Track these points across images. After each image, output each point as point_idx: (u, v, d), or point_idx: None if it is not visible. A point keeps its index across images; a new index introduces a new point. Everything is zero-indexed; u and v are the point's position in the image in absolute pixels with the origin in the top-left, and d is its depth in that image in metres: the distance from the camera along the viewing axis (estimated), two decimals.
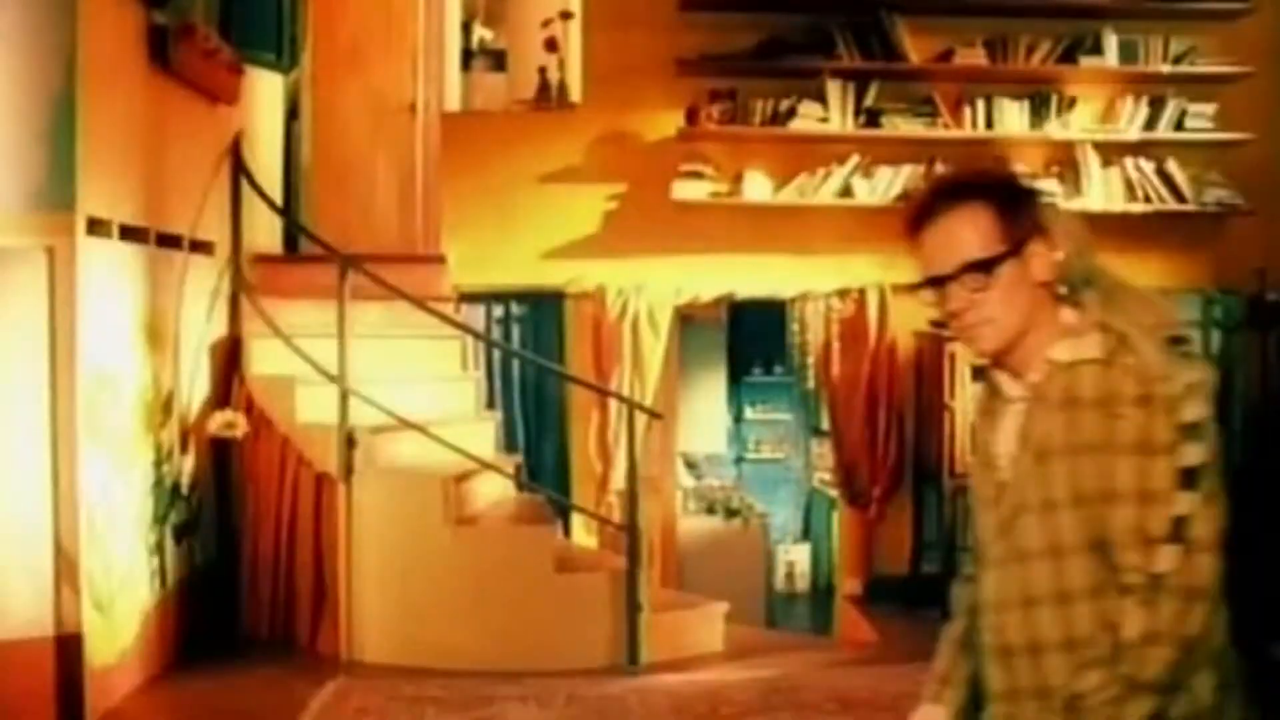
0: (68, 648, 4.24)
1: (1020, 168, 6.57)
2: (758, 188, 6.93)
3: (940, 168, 6.91)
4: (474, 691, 4.84)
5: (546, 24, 7.16)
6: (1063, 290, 1.88)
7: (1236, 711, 1.86)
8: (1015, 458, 1.87)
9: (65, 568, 4.24)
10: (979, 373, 2.12)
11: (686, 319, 7.51)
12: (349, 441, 5.26)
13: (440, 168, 6.89)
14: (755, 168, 6.96)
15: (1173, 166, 6.98)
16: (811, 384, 7.31)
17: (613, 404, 6.76)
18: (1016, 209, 1.85)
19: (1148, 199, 6.98)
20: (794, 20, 6.93)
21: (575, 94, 7.13)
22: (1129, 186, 6.99)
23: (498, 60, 7.86)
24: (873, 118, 6.91)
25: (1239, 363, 7.20)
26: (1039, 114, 6.98)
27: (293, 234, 6.49)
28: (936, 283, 1.86)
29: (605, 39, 6.96)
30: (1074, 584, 1.81)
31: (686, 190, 6.90)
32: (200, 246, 5.46)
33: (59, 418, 4.23)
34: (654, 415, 6.26)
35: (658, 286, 6.97)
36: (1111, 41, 6.92)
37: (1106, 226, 6.97)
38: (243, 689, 4.89)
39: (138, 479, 4.82)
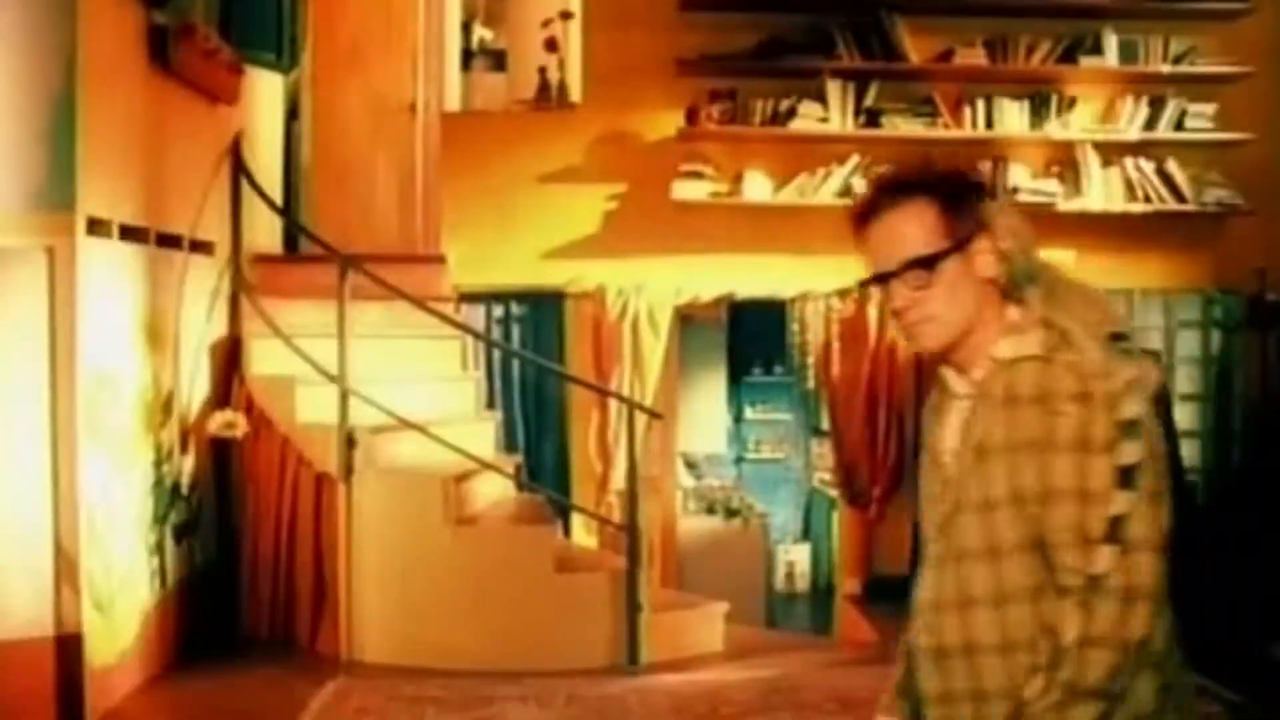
0: (68, 648, 4.24)
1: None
2: (758, 188, 6.93)
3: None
4: (474, 691, 4.84)
5: (546, 24, 7.16)
6: (1005, 286, 1.85)
7: (1176, 716, 1.81)
8: (958, 455, 1.85)
9: (65, 568, 4.24)
10: None
11: (686, 319, 7.51)
12: (349, 441, 5.26)
13: (440, 168, 6.90)
14: (755, 168, 6.96)
15: (1173, 166, 6.99)
16: (811, 384, 7.30)
17: (613, 404, 6.76)
18: (960, 205, 1.83)
19: (1148, 199, 6.98)
20: (794, 20, 6.93)
21: (575, 94, 7.13)
22: (1129, 186, 7.00)
23: (498, 60, 7.87)
24: (873, 118, 6.91)
25: (1239, 363, 7.20)
26: (1039, 114, 6.98)
27: (293, 234, 6.49)
28: (880, 280, 1.84)
29: (605, 39, 6.96)
30: (1012, 585, 1.78)
31: (686, 190, 6.90)
32: (200, 246, 5.46)
33: (59, 418, 4.23)
34: (654, 415, 6.26)
35: (658, 286, 6.97)
36: (1111, 41, 6.93)
37: (1106, 226, 7.00)
38: (243, 689, 4.89)
39: (138, 479, 4.82)
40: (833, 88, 6.87)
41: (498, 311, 7.04)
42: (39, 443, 4.23)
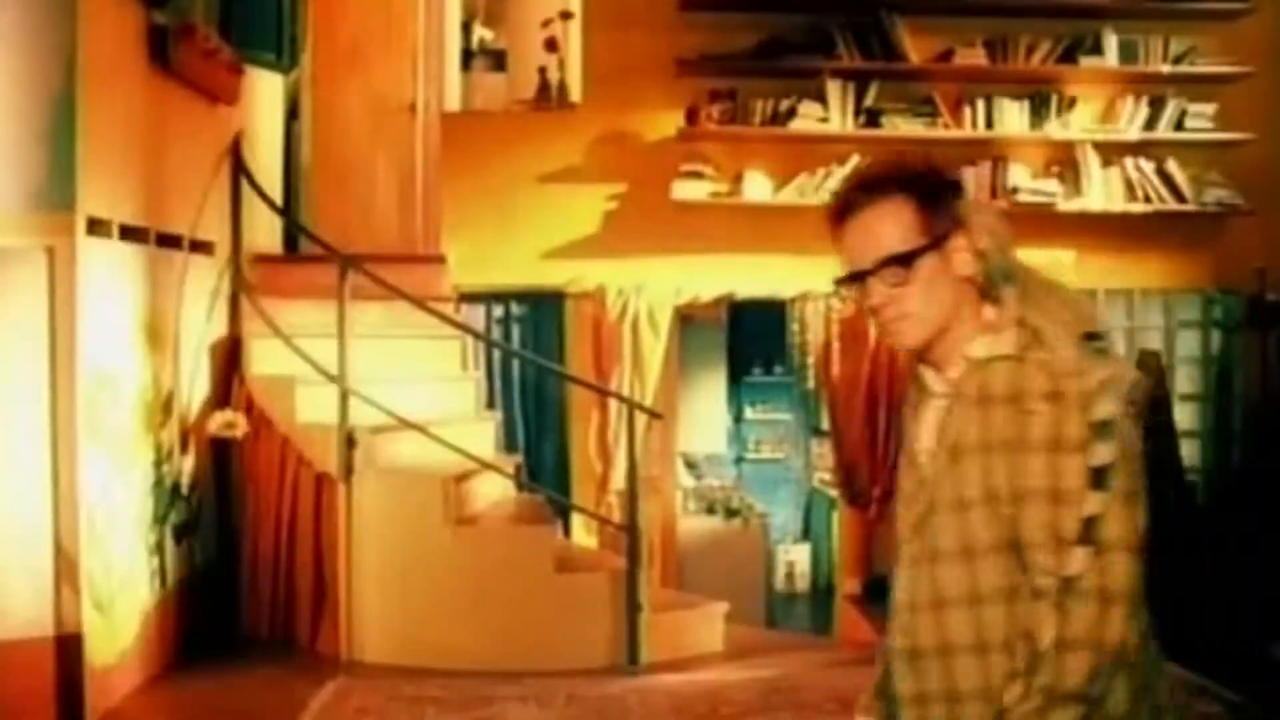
0: (68, 648, 4.24)
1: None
2: (758, 188, 6.93)
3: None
4: (474, 691, 4.84)
5: (546, 24, 7.16)
6: (982, 284, 1.84)
7: (1149, 717, 1.79)
8: (933, 454, 1.84)
9: (65, 568, 4.24)
10: None
11: (686, 319, 7.51)
12: (349, 441, 5.26)
13: (440, 168, 6.90)
14: (755, 168, 6.96)
15: (1173, 166, 6.99)
16: (811, 384, 7.31)
17: (613, 404, 6.76)
18: (937, 203, 1.81)
19: (1148, 199, 6.99)
20: (794, 20, 6.93)
21: (575, 94, 7.13)
22: (1129, 186, 7.00)
23: (498, 60, 7.87)
24: (873, 118, 6.91)
25: (1239, 363, 7.20)
26: (1039, 114, 6.99)
27: (293, 234, 6.49)
28: (857, 278, 1.82)
29: (605, 39, 6.96)
30: (986, 585, 1.77)
31: (686, 190, 6.90)
32: (200, 246, 5.46)
33: (59, 418, 4.23)
34: (654, 415, 6.26)
35: (658, 286, 6.98)
36: (1111, 41, 6.93)
37: (1106, 226, 7.01)
38: (243, 689, 4.89)
39: (138, 479, 4.82)
40: (833, 88, 6.87)
41: (498, 311, 7.05)
42: (39, 443, 4.23)
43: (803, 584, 9.58)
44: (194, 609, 5.31)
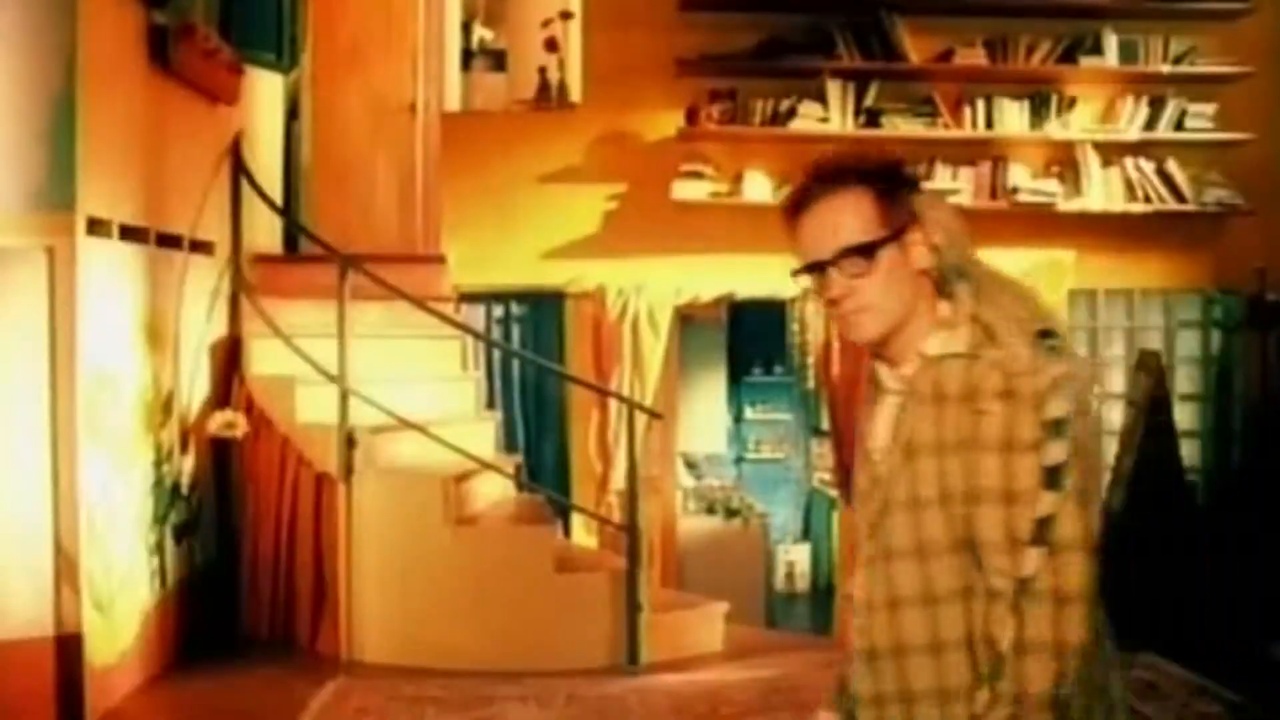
0: (68, 648, 4.24)
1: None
2: (758, 188, 6.93)
3: (939, 167, 6.94)
4: (474, 691, 4.84)
5: (546, 24, 7.16)
6: (936, 279, 1.83)
7: (1103, 716, 1.77)
8: (887, 452, 1.82)
9: (65, 568, 4.24)
10: None
11: (686, 319, 7.51)
12: (349, 441, 5.26)
13: (440, 168, 6.90)
14: (755, 168, 6.96)
15: (1173, 166, 6.99)
16: (811, 384, 7.31)
17: (613, 404, 6.76)
18: (895, 195, 1.80)
19: (1148, 199, 6.99)
20: (794, 20, 6.93)
21: (575, 94, 7.13)
22: (1129, 186, 7.00)
23: (498, 60, 7.87)
24: (873, 118, 6.92)
25: (1239, 363, 7.21)
26: (1039, 114, 6.99)
27: (293, 234, 6.49)
28: (816, 268, 1.80)
29: (605, 39, 6.96)
30: (940, 585, 1.75)
31: (686, 190, 6.90)
32: (200, 246, 5.46)
33: (59, 418, 4.23)
34: (654, 415, 6.25)
35: (658, 286, 6.97)
36: (1111, 41, 6.93)
37: (1106, 226, 7.01)
38: (243, 689, 4.89)
39: (138, 479, 4.82)
40: (833, 88, 6.87)
41: (498, 311, 7.05)
42: (39, 443, 4.23)
43: (803, 584, 9.58)
44: (194, 609, 5.31)
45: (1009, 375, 1.72)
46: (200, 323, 5.47)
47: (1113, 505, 6.88)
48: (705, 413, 9.80)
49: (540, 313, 7.06)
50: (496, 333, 6.97)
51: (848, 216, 1.79)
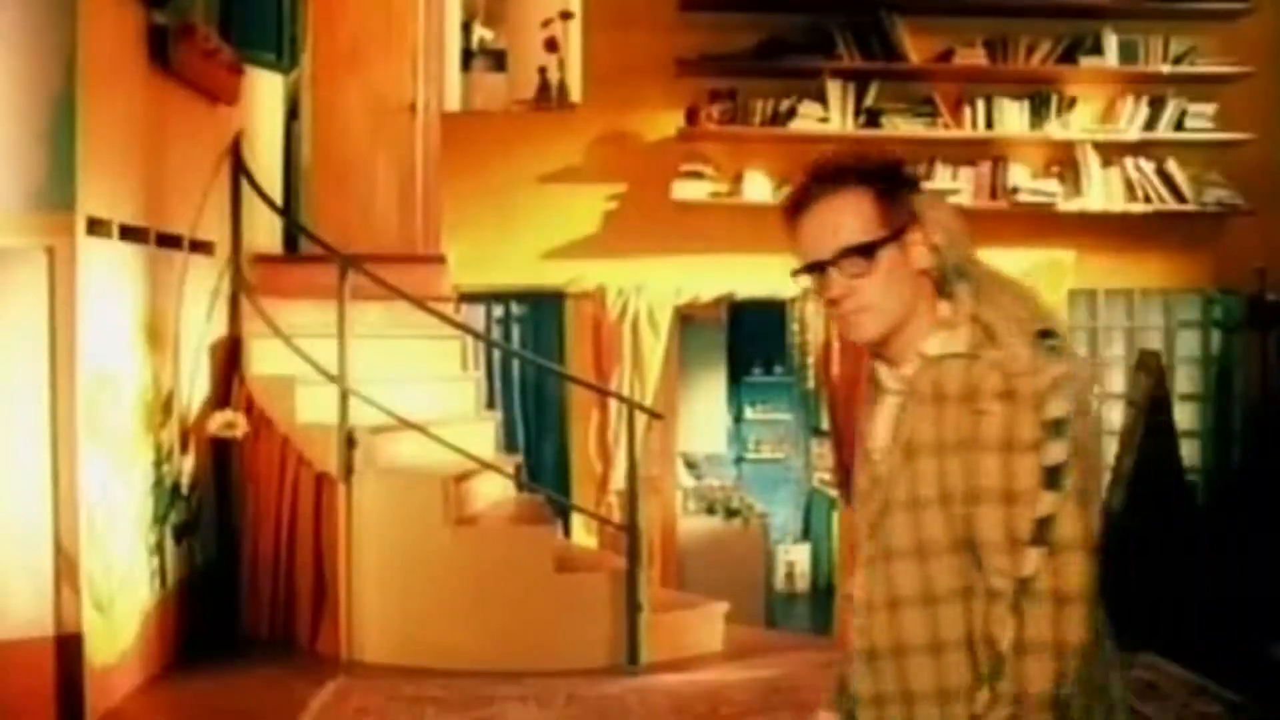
0: (68, 648, 4.24)
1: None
2: (758, 188, 6.93)
3: (939, 167, 6.94)
4: (474, 691, 4.84)
5: (546, 24, 7.16)
6: (936, 279, 1.83)
7: (1103, 716, 1.77)
8: (887, 452, 1.82)
9: (65, 568, 4.24)
10: None
11: (686, 319, 7.51)
12: (349, 441, 5.26)
13: (440, 168, 6.90)
14: (755, 168, 6.96)
15: (1173, 166, 6.99)
16: (811, 384, 7.30)
17: (613, 404, 6.76)
18: (895, 195, 1.80)
19: (1148, 199, 6.99)
20: (794, 20, 6.93)
21: (575, 94, 7.13)
22: (1129, 186, 7.00)
23: (498, 60, 7.87)
24: (873, 118, 6.92)
25: (1239, 363, 7.21)
26: (1039, 114, 6.99)
27: (293, 234, 6.49)
28: (816, 268, 1.80)
29: (605, 39, 6.96)
30: (940, 585, 1.75)
31: (686, 190, 6.90)
32: (200, 246, 5.46)
33: (59, 418, 4.23)
34: (654, 415, 6.25)
35: (658, 286, 6.97)
36: (1111, 41, 6.93)
37: (1106, 226, 7.01)
38: (243, 689, 4.89)
39: (138, 479, 4.82)
40: (833, 88, 6.87)
41: (498, 311, 7.05)
42: (39, 443, 4.23)
43: (803, 584, 9.57)
44: (194, 609, 5.31)
45: (1009, 375, 1.71)
46: (200, 323, 5.47)
47: (1113, 505, 6.88)
48: (705, 413, 9.80)
49: (540, 313, 7.06)
50: (496, 333, 6.97)
51: (848, 216, 1.78)
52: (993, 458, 1.71)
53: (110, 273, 4.54)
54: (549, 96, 7.15)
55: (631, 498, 5.46)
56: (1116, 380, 7.31)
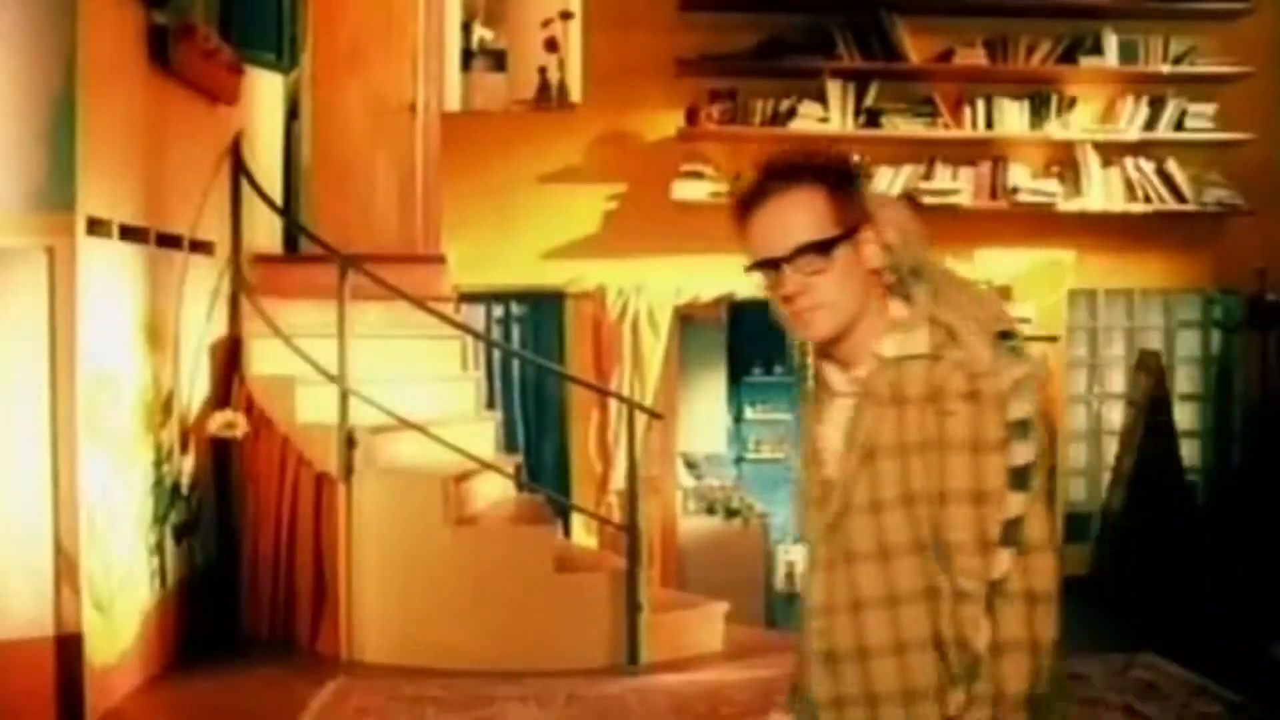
0: (68, 648, 4.24)
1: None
2: None
3: (939, 167, 6.94)
4: (474, 691, 4.84)
5: (546, 24, 7.16)
6: (890, 280, 1.83)
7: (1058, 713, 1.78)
8: (842, 456, 1.81)
9: (65, 568, 4.24)
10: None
11: (686, 319, 7.51)
12: (349, 441, 5.26)
13: (440, 168, 6.89)
14: (755, 168, 6.94)
15: (1173, 166, 6.99)
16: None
17: (613, 404, 6.76)
18: (848, 193, 1.80)
19: (1148, 199, 6.99)
20: (794, 20, 6.93)
21: (575, 94, 7.13)
22: (1129, 186, 7.00)
23: (498, 60, 7.86)
24: (873, 118, 6.92)
25: (1239, 363, 7.21)
26: (1039, 114, 6.99)
27: (293, 234, 6.49)
28: (771, 265, 1.79)
29: (605, 39, 6.96)
30: (903, 586, 1.75)
31: (686, 190, 6.90)
32: (200, 246, 5.46)
33: (59, 418, 4.23)
34: (654, 415, 6.26)
35: (658, 286, 6.98)
36: (1111, 41, 6.93)
37: (1106, 226, 7.01)
38: (243, 689, 4.89)
39: (138, 479, 4.82)
40: (833, 88, 6.87)
41: (498, 311, 7.05)
42: (39, 443, 4.23)
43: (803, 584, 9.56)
44: (194, 609, 5.31)
45: (973, 376, 1.72)
46: (200, 323, 5.47)
47: (1113, 505, 6.90)
48: (705, 413, 9.76)
49: (540, 313, 7.06)
50: (496, 333, 6.97)
51: (802, 214, 1.78)
52: (960, 459, 1.71)
53: (110, 273, 4.54)
54: (549, 96, 7.14)
55: (631, 498, 5.45)
56: (1116, 380, 7.32)
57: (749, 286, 1.95)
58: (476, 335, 6.42)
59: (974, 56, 6.92)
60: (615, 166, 7.04)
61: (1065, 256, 6.89)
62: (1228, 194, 6.99)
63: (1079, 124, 7.02)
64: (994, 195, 6.97)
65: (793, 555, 9.60)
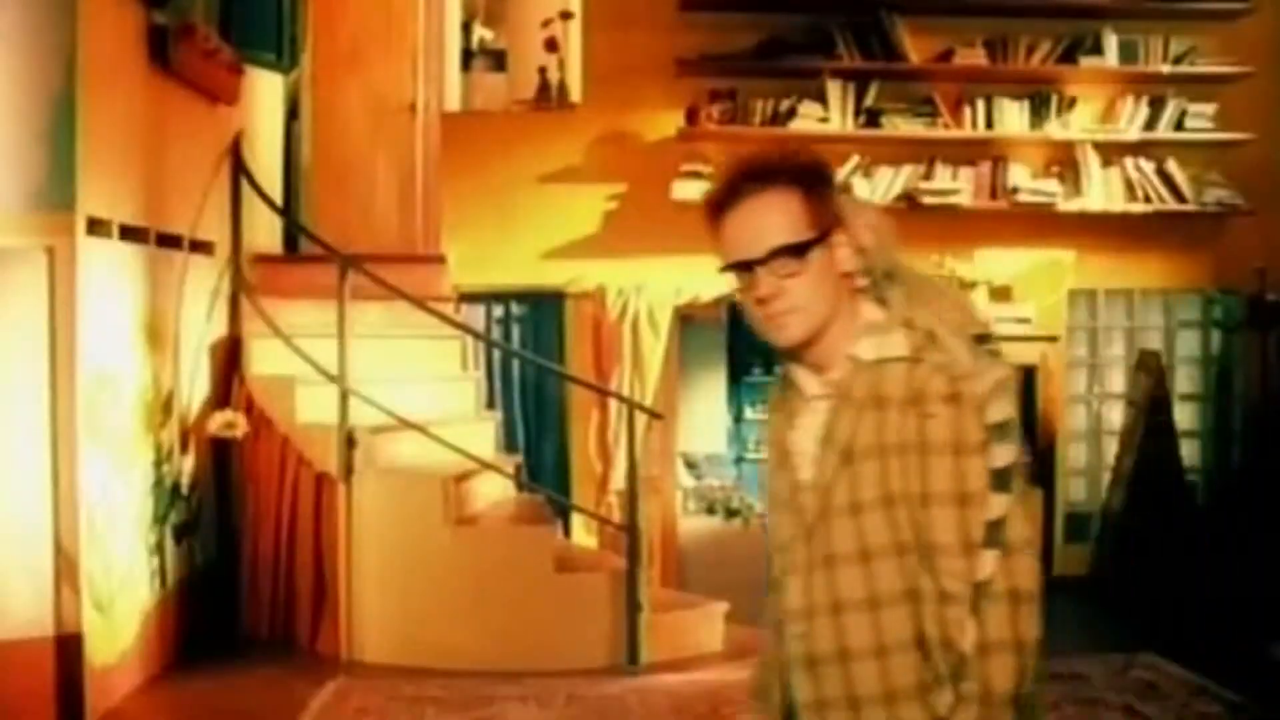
0: (68, 648, 4.24)
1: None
2: None
3: (939, 167, 6.94)
4: (474, 691, 4.84)
5: (546, 24, 7.16)
6: (863, 283, 1.82)
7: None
8: (818, 459, 1.80)
9: (65, 568, 4.24)
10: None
11: (686, 319, 7.51)
12: (349, 441, 5.26)
13: (440, 168, 6.89)
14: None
15: (1173, 166, 6.99)
16: None
17: (613, 404, 6.76)
18: (822, 195, 1.79)
19: (1148, 199, 6.98)
20: (794, 20, 6.93)
21: (575, 94, 7.12)
22: (1129, 186, 7.00)
23: (498, 60, 7.86)
24: (873, 118, 6.91)
25: (1239, 363, 7.20)
26: (1039, 114, 6.98)
27: (293, 234, 6.49)
28: (744, 267, 1.78)
29: (605, 39, 6.96)
30: (885, 588, 1.75)
31: (686, 190, 6.89)
32: (200, 246, 5.46)
33: (59, 418, 4.23)
34: (654, 415, 6.26)
35: (658, 286, 6.97)
36: (1111, 41, 6.93)
37: (1106, 226, 7.01)
38: (243, 689, 4.90)
39: (138, 479, 4.82)
40: (833, 88, 6.87)
41: (498, 311, 7.04)
42: (39, 443, 4.23)
43: None
44: (194, 609, 5.31)
45: (954, 379, 1.72)
46: (200, 323, 5.47)
47: (1113, 505, 6.90)
48: (705, 413, 9.76)
49: (540, 313, 7.06)
50: (496, 333, 6.97)
51: (776, 215, 1.77)
52: (943, 461, 1.71)
53: (110, 273, 4.55)
54: (549, 96, 7.14)
55: (631, 498, 5.46)
56: (1116, 380, 7.31)
57: None
58: (476, 335, 6.42)
59: (974, 56, 6.91)
60: (615, 166, 7.04)
61: (1065, 256, 6.89)
62: (1228, 194, 6.98)
63: (1079, 124, 7.02)
64: (994, 195, 6.97)
65: None
